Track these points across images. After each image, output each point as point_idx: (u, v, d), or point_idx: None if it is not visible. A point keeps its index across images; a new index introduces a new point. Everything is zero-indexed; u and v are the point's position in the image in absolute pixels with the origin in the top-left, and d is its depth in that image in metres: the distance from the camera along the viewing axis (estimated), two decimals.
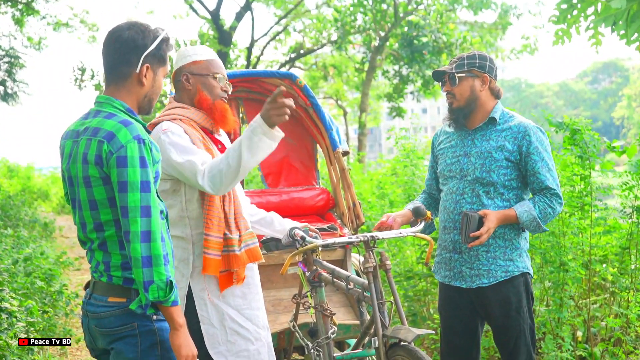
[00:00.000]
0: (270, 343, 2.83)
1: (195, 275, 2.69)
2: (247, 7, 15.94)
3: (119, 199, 2.05)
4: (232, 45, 16.36)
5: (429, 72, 15.17)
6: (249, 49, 16.98)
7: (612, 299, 4.31)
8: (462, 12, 23.63)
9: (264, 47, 18.15)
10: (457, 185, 3.05)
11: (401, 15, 15.62)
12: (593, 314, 4.25)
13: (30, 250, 6.32)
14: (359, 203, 3.93)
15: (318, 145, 4.40)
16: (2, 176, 19.17)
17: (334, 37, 17.41)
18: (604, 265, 4.35)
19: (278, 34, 18.04)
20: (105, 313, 2.13)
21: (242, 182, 4.24)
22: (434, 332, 2.75)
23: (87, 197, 2.11)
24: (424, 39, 14.85)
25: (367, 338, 2.81)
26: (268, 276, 3.79)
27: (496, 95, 3.05)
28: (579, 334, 4.21)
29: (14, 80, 12.78)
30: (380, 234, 2.77)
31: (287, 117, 2.44)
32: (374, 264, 2.66)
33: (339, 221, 4.08)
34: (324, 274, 2.98)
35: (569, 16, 4.77)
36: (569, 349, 3.82)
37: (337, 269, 2.96)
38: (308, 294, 3.05)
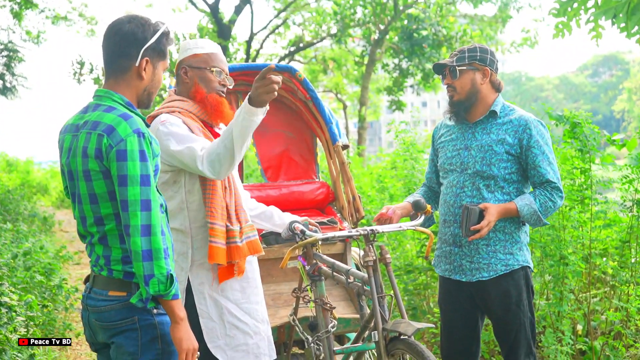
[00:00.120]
0: (270, 337, 2.83)
1: (194, 269, 2.69)
2: (246, 0, 15.90)
3: (118, 192, 2.04)
4: (231, 39, 16.33)
5: (428, 66, 15.14)
6: (249, 43, 16.96)
7: (612, 292, 4.31)
8: (462, 5, 23.53)
9: (264, 41, 18.14)
10: (457, 179, 3.04)
11: (401, 8, 15.58)
12: (593, 307, 4.25)
13: (29, 245, 6.32)
14: (359, 197, 3.93)
15: (318, 139, 4.39)
16: (1, 170, 19.15)
17: (334, 30, 17.38)
18: (604, 258, 4.35)
19: (277, 27, 18.01)
20: (105, 307, 2.13)
21: (241, 176, 4.24)
22: (434, 325, 2.76)
23: (87, 191, 2.11)
24: (424, 32, 14.81)
25: (367, 332, 2.81)
26: (268, 270, 3.79)
27: (497, 88, 3.04)
28: (579, 327, 4.21)
29: (13, 74, 12.75)
30: (380, 228, 2.77)
31: (275, 94, 2.42)
32: (374, 257, 2.66)
33: (338, 215, 4.08)
34: (324, 267, 2.98)
35: (569, 9, 4.76)
36: (569, 343, 3.82)
37: (337, 262, 2.96)
38: (308, 287, 3.05)
